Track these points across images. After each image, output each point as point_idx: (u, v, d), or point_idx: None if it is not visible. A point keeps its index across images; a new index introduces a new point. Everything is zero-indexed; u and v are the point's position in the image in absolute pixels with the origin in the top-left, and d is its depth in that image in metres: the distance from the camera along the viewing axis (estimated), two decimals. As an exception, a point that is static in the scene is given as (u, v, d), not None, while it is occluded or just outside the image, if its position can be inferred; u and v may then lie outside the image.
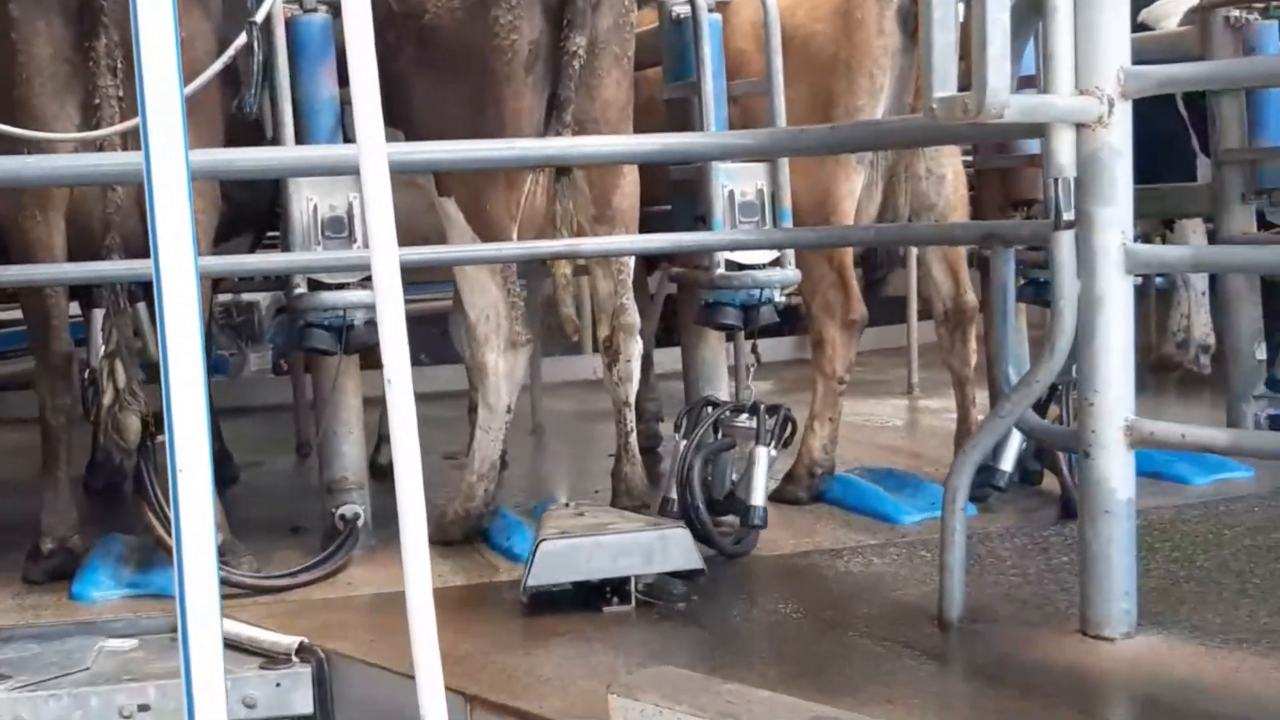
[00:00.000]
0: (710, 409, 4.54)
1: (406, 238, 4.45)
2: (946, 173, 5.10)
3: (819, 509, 5.05)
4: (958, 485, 3.61)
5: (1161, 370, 7.98)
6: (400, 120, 4.53)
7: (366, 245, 4.16)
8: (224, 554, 4.27)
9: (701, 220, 4.84)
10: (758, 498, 4.37)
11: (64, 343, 4.37)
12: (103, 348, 4.22)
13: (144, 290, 4.26)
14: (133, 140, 3.90)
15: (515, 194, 4.52)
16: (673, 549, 3.93)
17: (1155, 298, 8.58)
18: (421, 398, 7.13)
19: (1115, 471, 3.38)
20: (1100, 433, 3.37)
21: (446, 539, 4.69)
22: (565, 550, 3.88)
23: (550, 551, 3.87)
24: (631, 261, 4.88)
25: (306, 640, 3.59)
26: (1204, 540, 4.36)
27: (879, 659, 3.45)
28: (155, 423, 4.19)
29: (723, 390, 5.43)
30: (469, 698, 3.25)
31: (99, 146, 3.95)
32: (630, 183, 4.80)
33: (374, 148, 2.33)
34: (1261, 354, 5.83)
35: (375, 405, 4.88)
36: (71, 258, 4.22)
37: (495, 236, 4.50)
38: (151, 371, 4.27)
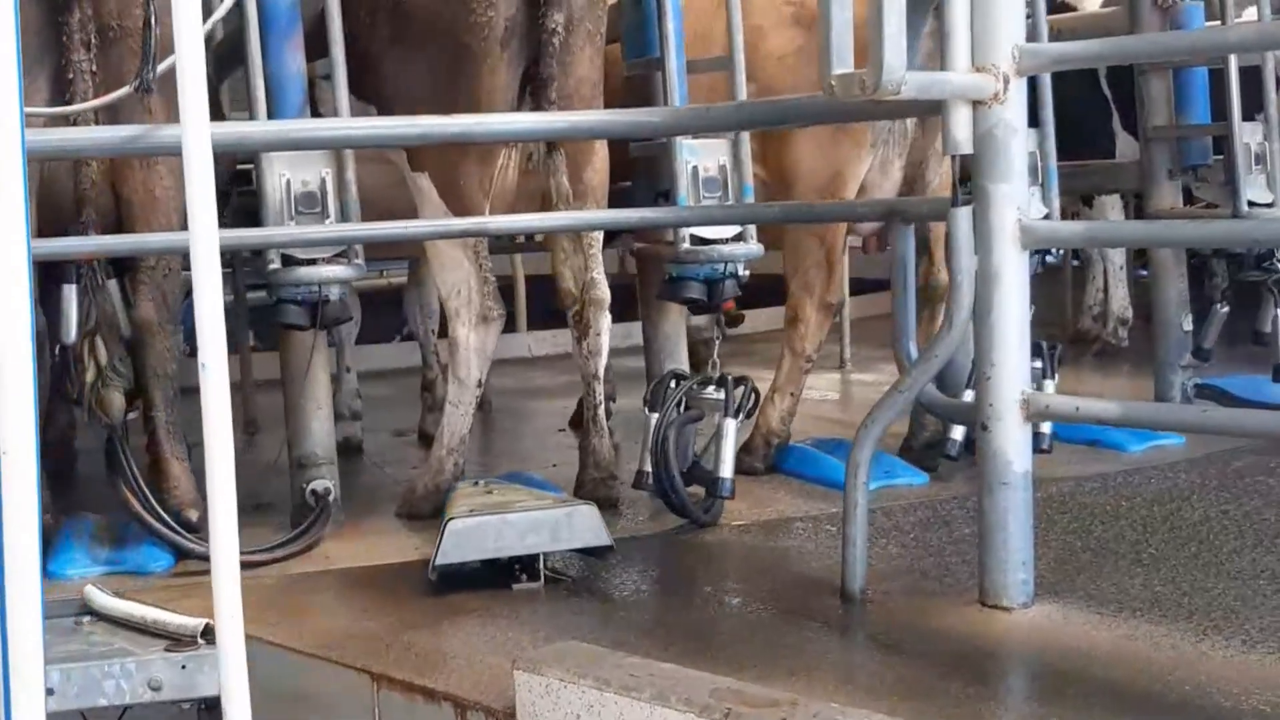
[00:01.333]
0: (677, 382, 4.58)
1: (375, 213, 4.52)
2: None
3: (776, 479, 5.13)
4: (859, 460, 3.65)
5: (1079, 344, 8.13)
6: (373, 96, 4.57)
7: (340, 220, 4.24)
8: (200, 529, 4.29)
9: (664, 196, 4.94)
10: (726, 469, 4.44)
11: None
12: (75, 326, 4.23)
13: (114, 266, 4.29)
14: (105, 115, 3.97)
15: (488, 169, 4.58)
16: (581, 526, 3.95)
17: (1072, 273, 8.74)
18: (373, 376, 7.06)
19: (1012, 444, 3.44)
20: (997, 406, 3.43)
21: (416, 514, 4.72)
22: (474, 528, 3.88)
23: (459, 530, 3.87)
24: (601, 236, 4.94)
25: (213, 622, 3.56)
26: (1102, 511, 4.45)
27: (782, 631, 3.50)
28: (138, 398, 4.27)
29: (683, 363, 5.50)
30: (375, 676, 3.26)
31: (72, 122, 3.93)
32: (601, 158, 4.87)
33: (198, 127, 2.32)
34: (1188, 325, 5.99)
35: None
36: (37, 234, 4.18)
37: (468, 212, 4.55)
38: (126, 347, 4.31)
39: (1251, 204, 5.51)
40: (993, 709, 2.96)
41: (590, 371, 4.89)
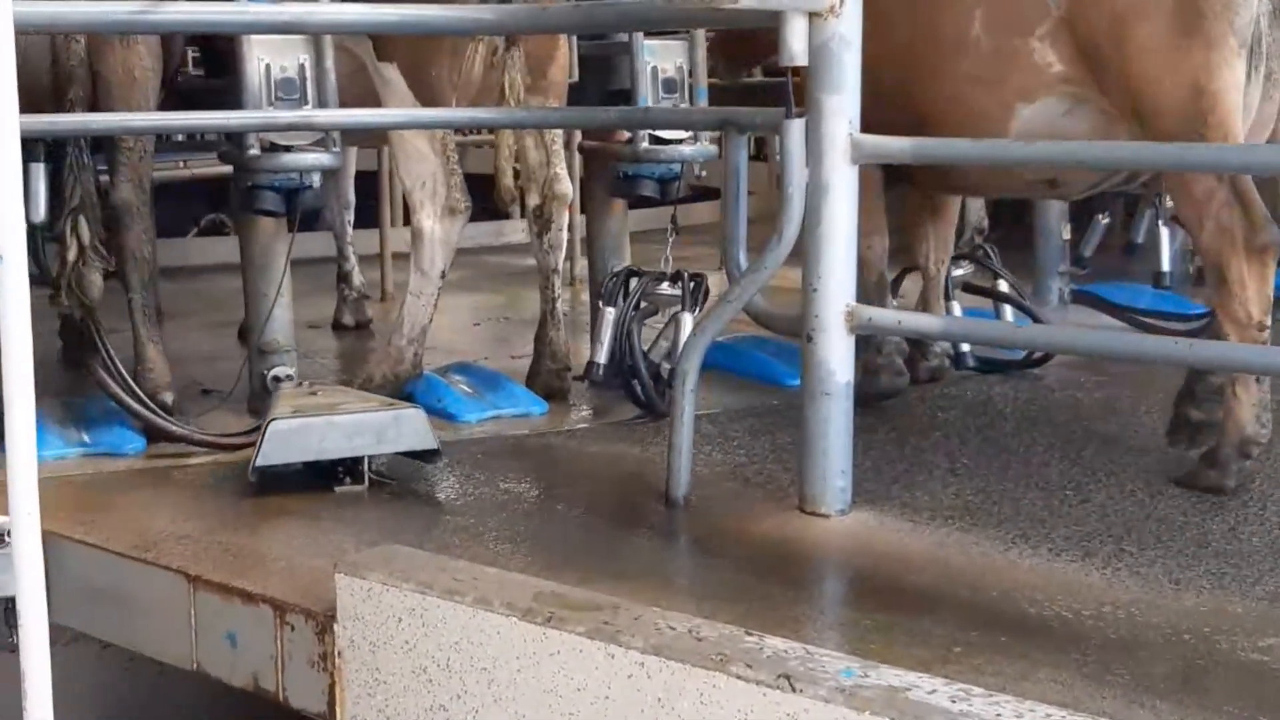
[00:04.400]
0: (632, 278, 4.66)
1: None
2: None
3: (709, 375, 5.02)
4: (687, 369, 3.68)
5: None
6: None
7: (318, 107, 4.26)
8: (176, 413, 4.37)
9: (617, 95, 5.07)
10: None
11: None
12: (44, 204, 4.23)
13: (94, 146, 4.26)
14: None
15: (458, 61, 4.63)
16: (407, 429, 3.92)
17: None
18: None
19: (835, 355, 3.50)
20: (822, 317, 3.49)
21: None
22: (297, 429, 3.83)
23: (281, 430, 3.81)
24: (562, 133, 5.00)
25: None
26: (920, 422, 4.57)
27: (607, 536, 3.53)
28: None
29: (628, 259, 5.50)
30: (191, 578, 3.21)
31: None
32: (564, 55, 4.95)
33: None
34: (1067, 234, 6.25)
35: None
36: None
37: (435, 103, 4.58)
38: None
39: None
40: (808, 612, 3.04)
41: (550, 266, 4.98)
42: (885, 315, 3.57)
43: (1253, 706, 2.50)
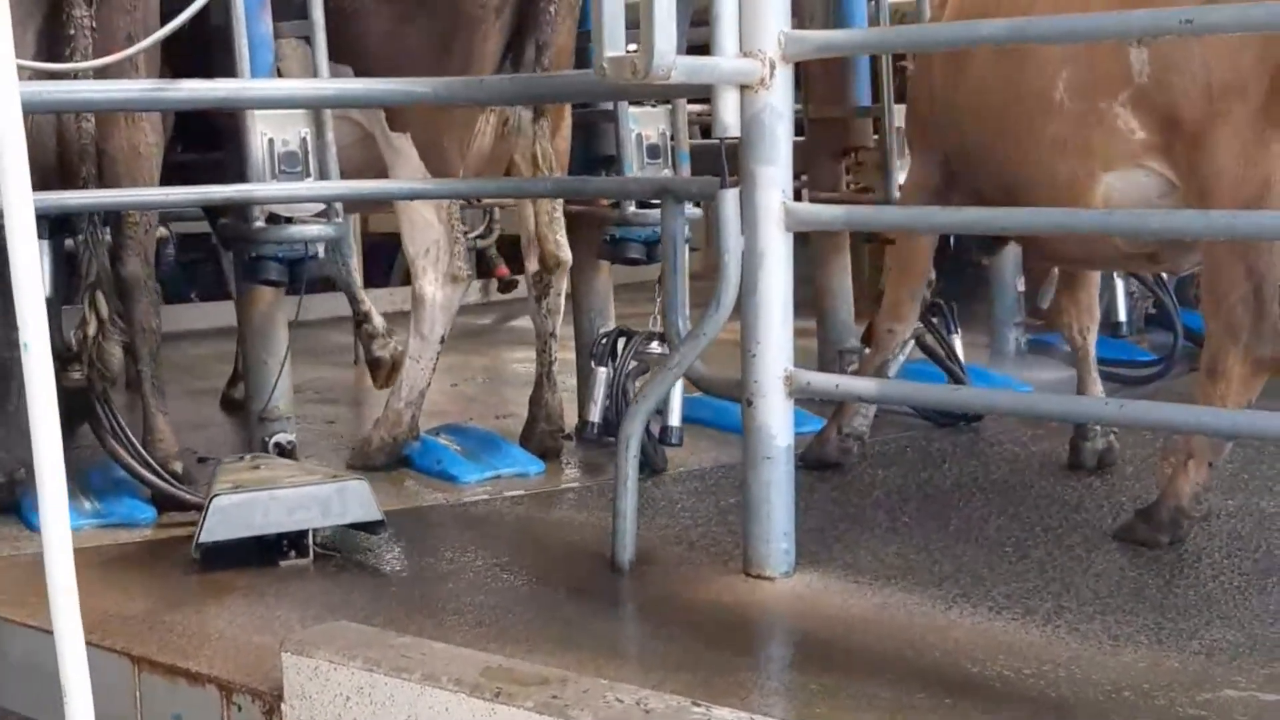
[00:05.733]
0: (625, 339, 4.81)
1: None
2: None
3: (696, 430, 5.16)
4: (630, 434, 3.72)
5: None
6: (351, 56, 4.61)
7: (320, 179, 4.39)
8: (186, 482, 4.41)
9: (601, 161, 5.27)
10: (674, 419, 4.70)
11: None
12: (50, 281, 4.29)
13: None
14: (94, 71, 3.96)
15: (468, 132, 4.79)
16: (351, 501, 3.92)
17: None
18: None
19: (775, 419, 3.55)
20: (761, 382, 3.54)
21: (371, 466, 4.81)
22: (240, 505, 3.82)
23: (224, 506, 3.80)
24: (562, 201, 5.12)
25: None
26: (861, 480, 4.62)
27: (553, 605, 3.54)
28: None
29: (613, 320, 5.57)
30: (135, 659, 3.19)
31: (73, 76, 3.95)
32: (568, 125, 5.13)
33: (7, 86, 2.25)
34: (1021, 286, 6.34)
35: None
36: None
37: (446, 173, 4.71)
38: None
39: None
40: (754, 678, 3.06)
41: (547, 329, 5.10)
42: (823, 380, 3.63)
43: (1190, 762, 2.55)
